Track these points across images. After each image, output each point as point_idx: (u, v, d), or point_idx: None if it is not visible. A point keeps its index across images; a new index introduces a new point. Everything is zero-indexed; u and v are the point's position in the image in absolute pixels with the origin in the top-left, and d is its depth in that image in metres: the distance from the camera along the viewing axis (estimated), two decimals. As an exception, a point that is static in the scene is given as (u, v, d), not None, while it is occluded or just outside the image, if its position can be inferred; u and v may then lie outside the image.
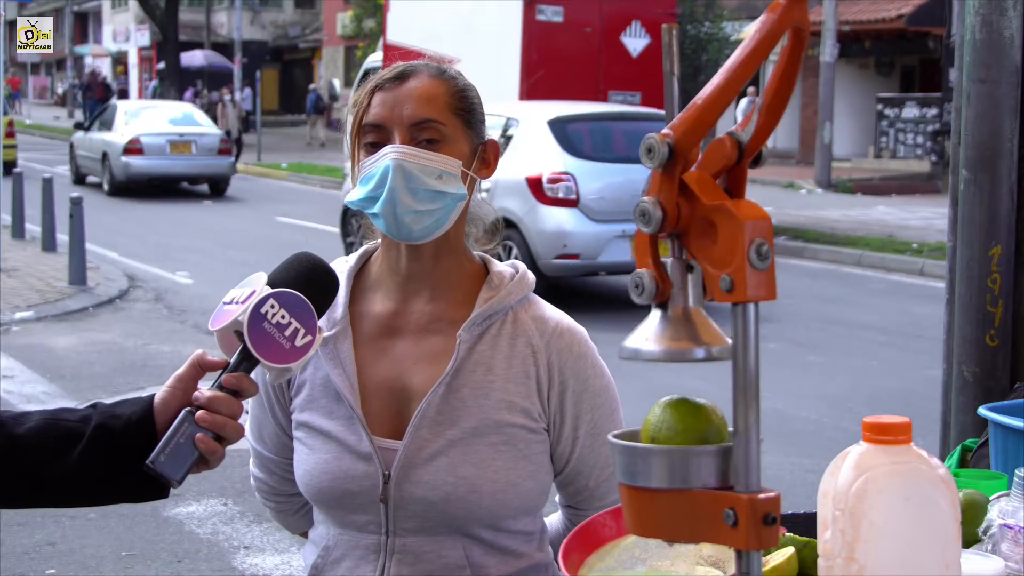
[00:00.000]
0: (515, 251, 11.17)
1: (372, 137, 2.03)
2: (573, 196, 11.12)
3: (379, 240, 2.14)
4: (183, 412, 1.68)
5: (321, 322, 2.06)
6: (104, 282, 13.09)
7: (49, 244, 14.90)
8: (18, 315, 11.24)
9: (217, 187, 23.30)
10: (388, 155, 1.99)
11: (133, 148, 22.32)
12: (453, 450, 2.02)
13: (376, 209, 2.00)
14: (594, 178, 11.21)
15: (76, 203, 13.11)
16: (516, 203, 11.11)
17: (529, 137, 11.46)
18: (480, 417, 2.03)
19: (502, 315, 2.08)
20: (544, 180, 11.05)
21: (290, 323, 1.71)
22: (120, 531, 6.00)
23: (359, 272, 2.15)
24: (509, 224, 11.01)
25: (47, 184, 14.78)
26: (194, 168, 22.96)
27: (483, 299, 2.07)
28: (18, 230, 15.91)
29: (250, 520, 6.17)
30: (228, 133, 26.90)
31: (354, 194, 2.04)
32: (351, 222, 12.95)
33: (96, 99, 42.59)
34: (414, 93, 2.02)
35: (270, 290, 1.71)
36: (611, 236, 11.12)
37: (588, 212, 11.14)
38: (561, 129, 11.53)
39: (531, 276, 2.14)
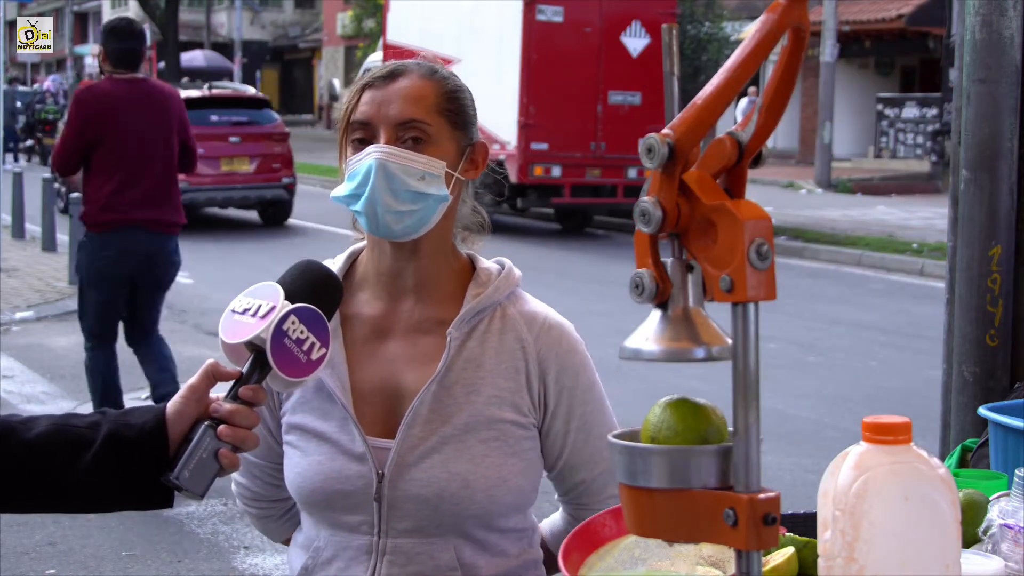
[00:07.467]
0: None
1: (359, 134, 2.06)
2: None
3: (364, 241, 2.15)
4: (203, 426, 1.67)
5: None
6: (104, 282, 13.07)
7: (49, 244, 14.89)
8: (18, 315, 11.23)
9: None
10: (372, 154, 2.01)
11: None
12: (446, 447, 2.02)
13: (359, 207, 2.03)
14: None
15: (76, 203, 13.10)
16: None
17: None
18: (471, 413, 2.03)
19: (491, 311, 2.09)
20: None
21: (308, 337, 1.71)
22: (120, 531, 6.00)
23: (346, 273, 2.15)
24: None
25: (47, 184, 14.77)
26: None
27: (471, 296, 2.08)
28: (18, 230, 15.88)
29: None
30: None
31: (339, 190, 2.07)
32: None
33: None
34: (402, 92, 2.03)
35: (291, 306, 1.71)
36: None
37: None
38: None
39: (517, 271, 2.15)
